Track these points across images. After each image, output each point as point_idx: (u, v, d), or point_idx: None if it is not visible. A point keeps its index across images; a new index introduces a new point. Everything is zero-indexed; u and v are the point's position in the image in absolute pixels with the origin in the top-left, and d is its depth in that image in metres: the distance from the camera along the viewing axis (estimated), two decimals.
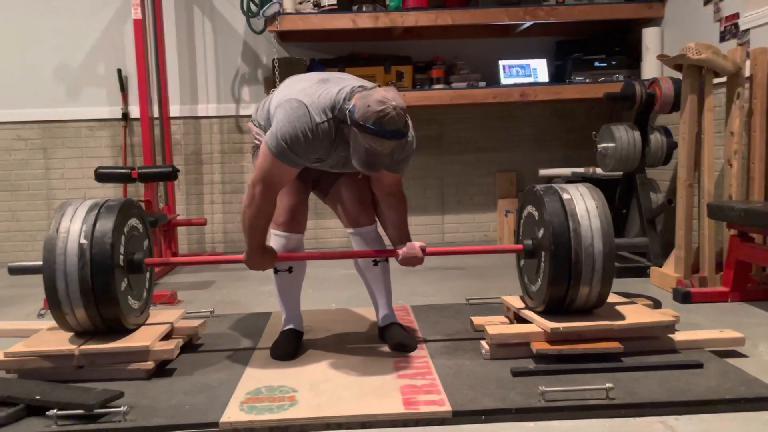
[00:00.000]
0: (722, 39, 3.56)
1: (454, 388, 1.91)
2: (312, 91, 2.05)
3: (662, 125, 3.77)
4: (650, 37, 4.23)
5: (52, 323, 2.19)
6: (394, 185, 2.27)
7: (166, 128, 4.40)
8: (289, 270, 2.35)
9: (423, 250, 2.25)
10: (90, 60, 4.65)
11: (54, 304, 2.04)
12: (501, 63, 4.54)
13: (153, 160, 4.18)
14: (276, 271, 2.35)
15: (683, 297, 2.97)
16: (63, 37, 4.60)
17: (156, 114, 4.37)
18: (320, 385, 1.97)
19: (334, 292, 3.40)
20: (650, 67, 4.20)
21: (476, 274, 3.83)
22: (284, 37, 4.53)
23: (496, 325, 2.27)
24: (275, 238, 2.32)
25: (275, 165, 2.03)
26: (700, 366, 2.01)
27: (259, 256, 2.17)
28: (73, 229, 2.06)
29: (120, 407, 1.75)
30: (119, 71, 4.59)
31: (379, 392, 1.90)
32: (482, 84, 4.44)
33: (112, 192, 4.62)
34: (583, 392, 1.81)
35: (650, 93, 3.58)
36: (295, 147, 1.99)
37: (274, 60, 4.30)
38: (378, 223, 2.40)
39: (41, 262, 2.05)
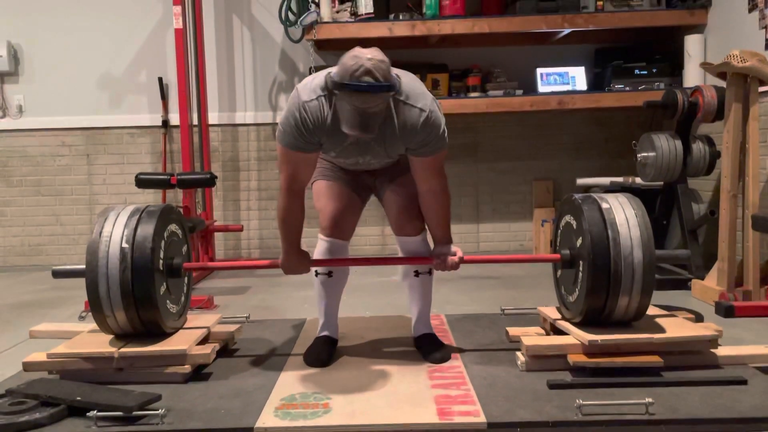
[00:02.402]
0: None
1: (489, 400, 1.89)
2: (311, 77, 2.07)
3: (705, 134, 3.69)
4: (693, 44, 4.14)
5: (93, 325, 2.24)
6: (432, 179, 2.16)
7: (204, 135, 4.47)
8: (329, 274, 2.36)
9: (460, 258, 2.23)
10: (132, 68, 4.76)
11: (95, 306, 2.08)
12: (538, 71, 4.50)
13: (192, 166, 4.25)
14: (317, 274, 2.37)
15: (726, 311, 2.89)
16: (106, 46, 4.73)
17: (195, 121, 4.45)
18: (354, 393, 1.97)
19: (368, 300, 3.40)
20: (692, 75, 4.11)
21: (511, 284, 3.79)
22: (321, 45, 4.57)
23: (532, 336, 2.24)
24: (318, 242, 2.35)
25: (282, 152, 2.08)
26: (744, 382, 1.95)
27: (293, 259, 2.19)
28: (115, 233, 2.11)
29: (157, 410, 1.78)
30: (160, 79, 4.69)
31: (413, 402, 1.89)
32: (519, 92, 4.41)
33: (151, 198, 4.71)
34: (621, 407, 1.77)
35: (692, 101, 3.51)
36: (288, 128, 2.02)
37: (310, 68, 4.34)
38: (427, 231, 2.37)
39: (84, 266, 2.09)
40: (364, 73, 1.84)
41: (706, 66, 3.31)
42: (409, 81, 2.07)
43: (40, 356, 2.13)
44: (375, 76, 1.85)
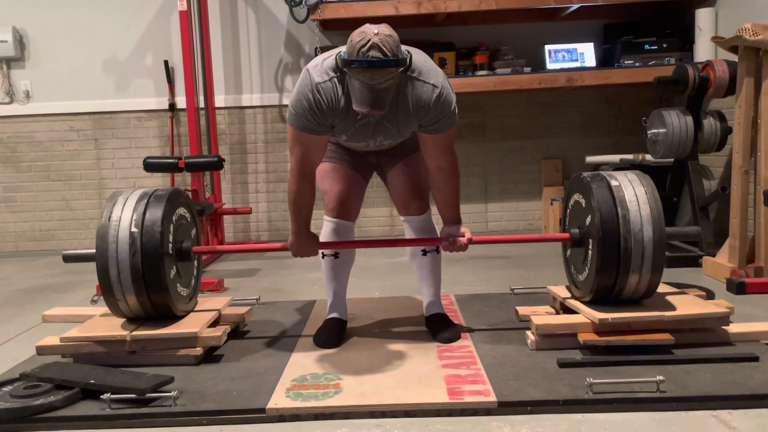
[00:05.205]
0: None
1: (499, 379, 1.89)
2: (321, 58, 2.04)
3: (716, 110, 3.64)
4: (704, 18, 4.07)
5: (105, 309, 2.26)
6: (441, 157, 2.15)
7: (211, 118, 4.47)
8: (336, 255, 2.37)
9: (469, 240, 2.22)
10: (138, 52, 4.75)
11: (107, 290, 2.10)
12: (547, 47, 4.45)
13: (199, 149, 4.25)
14: (323, 256, 2.37)
15: (737, 287, 2.87)
16: (112, 30, 4.71)
17: (202, 104, 4.44)
18: (364, 374, 1.98)
19: (377, 281, 3.41)
20: (703, 50, 4.05)
21: (520, 264, 3.78)
22: (326, 25, 4.53)
23: (542, 315, 2.24)
24: (325, 224, 2.35)
25: (293, 135, 2.06)
26: (755, 359, 1.95)
27: (302, 241, 2.19)
28: (124, 218, 2.11)
29: (170, 392, 1.80)
30: (166, 63, 4.68)
31: (423, 381, 1.90)
32: (527, 69, 4.36)
33: (160, 181, 4.72)
34: (632, 384, 1.78)
35: (703, 76, 3.46)
36: (300, 110, 2.00)
37: (316, 49, 4.31)
38: (431, 211, 2.38)
39: (94, 250, 2.10)
40: (370, 48, 1.83)
41: (717, 40, 3.26)
42: (420, 57, 2.05)
43: (53, 340, 2.15)
44: (382, 51, 1.83)
